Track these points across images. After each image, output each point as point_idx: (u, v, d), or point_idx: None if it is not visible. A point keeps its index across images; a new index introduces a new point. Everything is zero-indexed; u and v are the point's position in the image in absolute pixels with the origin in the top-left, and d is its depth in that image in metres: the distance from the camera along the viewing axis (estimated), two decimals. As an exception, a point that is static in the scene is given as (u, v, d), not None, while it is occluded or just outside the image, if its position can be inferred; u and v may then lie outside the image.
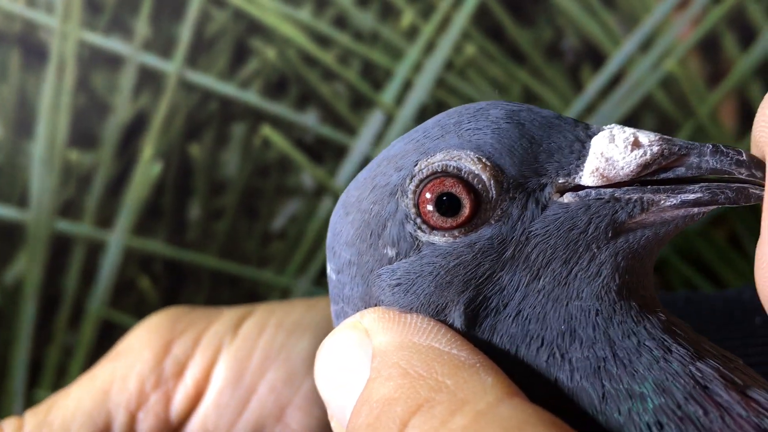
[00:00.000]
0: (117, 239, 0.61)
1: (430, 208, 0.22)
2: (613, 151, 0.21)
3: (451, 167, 0.21)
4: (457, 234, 0.22)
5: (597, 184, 0.22)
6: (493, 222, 0.22)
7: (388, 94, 0.59)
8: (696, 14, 0.58)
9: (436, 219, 0.22)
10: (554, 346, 0.21)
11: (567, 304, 0.22)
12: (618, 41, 0.59)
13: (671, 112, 0.59)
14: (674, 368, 0.21)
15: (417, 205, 0.22)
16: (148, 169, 0.60)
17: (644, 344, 0.21)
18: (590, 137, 0.22)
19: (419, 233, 0.22)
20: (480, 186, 0.22)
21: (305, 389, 0.29)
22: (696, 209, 0.22)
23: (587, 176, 0.22)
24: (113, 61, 0.59)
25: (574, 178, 0.22)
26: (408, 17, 0.58)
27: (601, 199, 0.22)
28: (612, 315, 0.22)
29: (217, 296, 0.62)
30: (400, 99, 0.59)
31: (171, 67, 0.59)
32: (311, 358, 0.29)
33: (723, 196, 0.22)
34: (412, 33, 0.59)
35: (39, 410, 0.30)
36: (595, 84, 0.59)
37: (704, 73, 0.59)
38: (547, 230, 0.22)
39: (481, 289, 0.22)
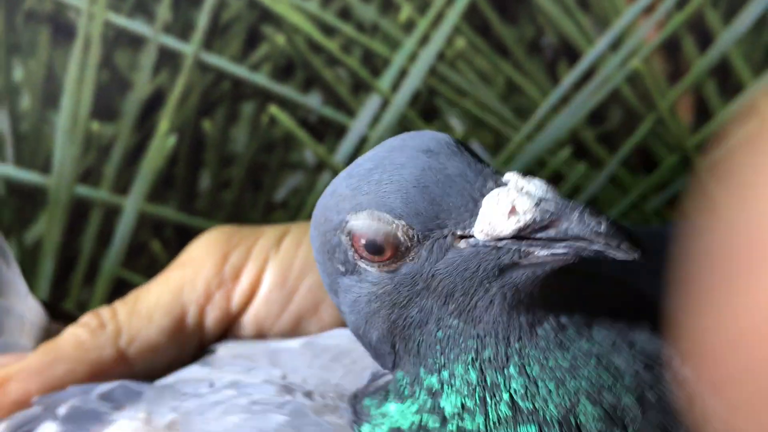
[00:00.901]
0: (132, 205, 0.64)
1: (362, 246, 0.27)
2: (495, 216, 0.25)
3: (376, 231, 0.27)
4: (382, 267, 0.27)
5: (484, 239, 0.26)
6: (408, 261, 0.27)
7: (386, 81, 0.63)
8: (660, 19, 0.63)
9: (367, 255, 0.28)
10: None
11: (474, 326, 0.27)
12: (591, 40, 0.64)
13: (635, 106, 0.65)
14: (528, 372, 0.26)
15: (352, 244, 0.28)
16: (163, 141, 0.63)
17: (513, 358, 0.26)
18: (483, 196, 0.26)
19: (357, 261, 0.28)
20: (394, 239, 0.27)
21: None
22: (564, 257, 0.26)
23: (477, 231, 0.26)
24: (135, 42, 0.62)
25: (468, 230, 0.26)
26: (406, 12, 0.63)
27: (488, 247, 0.26)
28: (506, 333, 0.26)
29: (222, 259, 0.65)
30: (396, 85, 0.64)
31: (188, 49, 0.62)
32: None
33: (585, 253, 0.25)
34: (408, 26, 0.63)
35: (127, 300, 0.35)
36: (569, 78, 0.64)
37: (666, 71, 0.64)
38: (448, 269, 0.27)
39: (402, 311, 0.27)
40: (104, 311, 0.35)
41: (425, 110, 0.64)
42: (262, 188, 0.65)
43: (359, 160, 0.28)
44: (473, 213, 0.26)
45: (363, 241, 0.27)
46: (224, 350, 0.34)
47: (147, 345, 0.34)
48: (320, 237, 0.28)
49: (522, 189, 0.25)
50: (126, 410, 0.31)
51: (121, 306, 0.35)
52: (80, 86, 0.62)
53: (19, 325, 0.35)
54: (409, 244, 0.27)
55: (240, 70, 0.63)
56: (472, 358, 0.26)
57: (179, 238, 0.65)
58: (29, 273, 0.65)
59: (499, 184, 0.26)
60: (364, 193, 0.27)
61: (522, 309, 0.26)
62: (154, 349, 0.34)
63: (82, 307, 0.65)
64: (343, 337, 0.32)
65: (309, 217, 0.66)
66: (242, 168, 0.64)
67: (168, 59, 0.63)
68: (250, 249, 0.35)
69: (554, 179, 0.66)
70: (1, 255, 0.38)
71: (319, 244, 0.28)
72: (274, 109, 0.64)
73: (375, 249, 0.27)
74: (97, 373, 0.33)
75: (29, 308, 0.36)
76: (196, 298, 0.35)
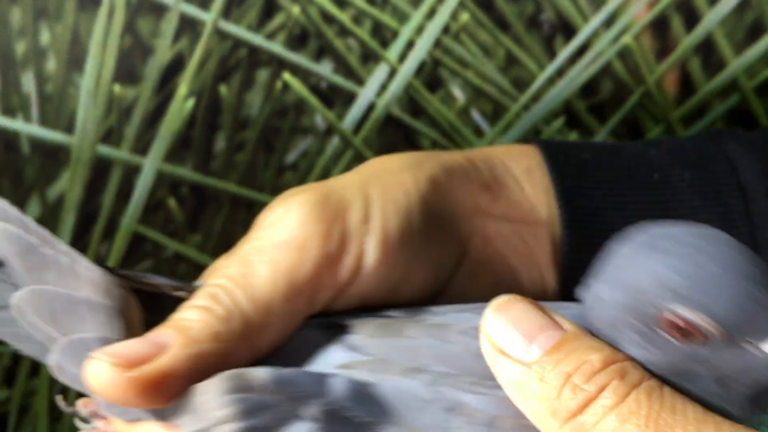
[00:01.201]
0: (150, 164, 0.67)
1: (672, 326, 0.29)
2: None
3: (695, 321, 0.29)
4: (681, 342, 0.29)
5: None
6: (701, 345, 0.29)
7: (393, 51, 0.67)
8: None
9: (671, 331, 0.29)
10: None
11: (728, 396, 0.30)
12: (586, 18, 0.67)
13: (625, 79, 0.68)
14: None
15: (664, 320, 0.29)
16: (181, 104, 0.66)
17: None
18: None
19: (657, 329, 0.30)
20: (706, 333, 0.29)
21: None
22: None
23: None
24: (157, 9, 0.65)
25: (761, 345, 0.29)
26: (414, -14, 0.66)
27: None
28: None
29: (234, 218, 0.68)
30: (403, 56, 0.67)
31: (207, 17, 0.65)
32: None
33: None
34: (416, 0, 0.66)
35: (241, 284, 0.34)
36: (565, 52, 0.67)
37: (654, 48, 0.68)
38: (730, 364, 0.29)
39: (670, 366, 0.30)
40: (222, 295, 0.33)
41: (430, 80, 0.68)
42: (274, 151, 0.68)
43: (683, 247, 0.29)
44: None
45: (675, 322, 0.29)
46: (363, 333, 0.33)
47: (273, 334, 0.33)
48: (629, 293, 0.30)
49: None
50: (388, 427, 0.30)
51: (238, 290, 0.33)
52: (104, 50, 0.64)
53: (99, 313, 0.34)
54: (714, 339, 0.29)
55: (256, 39, 0.66)
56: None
57: (194, 197, 0.68)
58: (51, 228, 0.67)
59: None
60: (695, 286, 0.28)
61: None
62: (276, 337, 0.33)
63: (101, 262, 0.68)
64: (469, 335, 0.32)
65: (318, 179, 0.68)
66: (256, 131, 0.67)
67: (188, 27, 0.65)
68: (345, 224, 0.35)
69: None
70: (43, 241, 0.36)
71: (620, 292, 0.30)
72: (287, 76, 0.66)
73: (682, 333, 0.29)
74: (230, 365, 0.32)
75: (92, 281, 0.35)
76: (310, 281, 0.34)
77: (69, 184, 0.66)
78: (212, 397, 0.30)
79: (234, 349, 0.32)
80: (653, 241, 0.29)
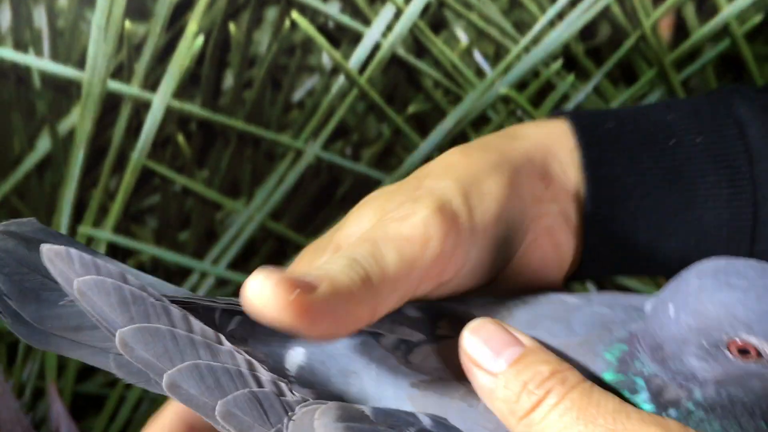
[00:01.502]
0: (160, 100, 0.67)
1: (735, 347, 0.35)
2: None
3: (758, 345, 0.35)
4: (742, 360, 0.35)
5: None
6: (760, 367, 0.35)
7: (400, -8, 0.67)
8: (649, -55, 0.68)
9: (732, 350, 0.35)
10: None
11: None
12: (587, -38, 0.68)
13: (622, 23, 0.70)
14: None
15: (730, 343, 0.35)
16: (191, 42, 0.66)
17: None
18: None
19: (722, 348, 0.35)
20: (766, 355, 0.34)
21: None
22: None
23: None
24: (169, -54, 0.65)
25: None
26: (421, -72, 0.66)
27: None
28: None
29: (241, 154, 0.69)
30: (409, -3, 0.68)
31: (218, -45, 0.65)
32: None
33: None
34: (423, -58, 0.67)
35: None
36: (565, -4, 0.69)
37: (650, -7, 0.70)
38: None
39: (742, 376, 0.35)
40: (357, 266, 0.36)
41: (434, 21, 0.69)
42: (281, 88, 0.69)
43: (748, 282, 0.34)
44: None
45: (738, 347, 0.34)
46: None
47: (385, 309, 0.37)
48: (700, 319, 0.35)
49: None
50: None
51: (372, 265, 0.37)
52: (115, -14, 0.64)
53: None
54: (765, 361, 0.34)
55: (266, -23, 0.66)
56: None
57: (202, 133, 0.69)
58: (61, 161, 0.68)
59: None
60: (758, 318, 0.34)
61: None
62: (386, 312, 0.37)
63: (111, 196, 0.69)
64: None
65: (323, 116, 0.69)
66: (263, 69, 0.68)
67: (199, -36, 0.65)
68: (458, 231, 0.39)
69: (546, 89, 0.71)
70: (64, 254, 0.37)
71: (691, 317, 0.35)
72: (295, 15, 0.67)
73: (743, 353, 0.35)
74: (353, 324, 0.36)
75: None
76: (423, 273, 0.38)
77: (80, 119, 0.67)
78: (328, 422, 0.35)
79: (360, 310, 0.36)
80: (720, 275, 0.35)
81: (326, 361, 0.38)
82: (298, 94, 0.69)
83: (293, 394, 0.36)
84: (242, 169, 0.70)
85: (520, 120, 0.71)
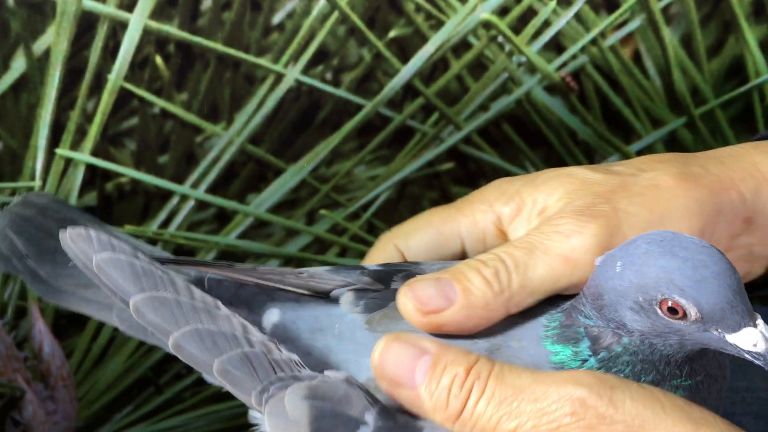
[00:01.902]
0: (137, 20, 0.65)
1: (666, 307, 0.38)
2: (754, 340, 0.38)
3: (686, 307, 0.38)
4: (669, 318, 0.38)
5: (732, 340, 0.38)
6: (683, 324, 0.38)
7: None
8: None
9: (663, 310, 0.38)
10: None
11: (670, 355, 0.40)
12: None
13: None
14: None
15: (662, 302, 0.38)
16: (169, -39, 0.64)
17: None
18: (747, 326, 0.38)
19: (654, 306, 0.38)
20: (691, 317, 0.38)
21: None
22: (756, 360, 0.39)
23: (732, 338, 0.38)
24: None
25: (723, 335, 0.38)
26: None
27: (728, 344, 0.38)
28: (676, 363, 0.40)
29: (220, 77, 0.68)
30: None
31: None
32: None
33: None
34: None
35: (518, 266, 0.41)
36: None
37: None
38: (693, 338, 0.39)
39: (647, 330, 0.39)
40: (502, 273, 0.40)
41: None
42: (260, 10, 0.67)
43: (688, 254, 0.38)
44: (735, 329, 0.38)
45: (669, 305, 0.38)
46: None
47: (522, 309, 0.40)
48: (641, 278, 0.38)
49: (764, 333, 0.38)
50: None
51: (514, 273, 0.40)
52: None
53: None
54: (692, 319, 0.38)
55: None
56: (656, 363, 0.39)
57: (181, 55, 0.67)
58: (37, 82, 0.66)
59: (755, 323, 0.38)
60: (691, 285, 0.38)
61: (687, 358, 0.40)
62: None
63: (89, 118, 0.67)
64: None
65: (304, 40, 0.67)
66: (243, -10, 0.66)
67: None
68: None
69: (527, 14, 0.69)
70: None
71: (634, 275, 0.38)
72: (275, -65, 0.65)
73: (672, 312, 0.38)
74: (486, 325, 0.40)
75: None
76: (569, 286, 0.41)
77: (55, 39, 0.65)
78: (296, 399, 0.39)
79: (491, 318, 0.40)
80: (666, 244, 0.38)
81: (296, 321, 0.42)
82: (278, 17, 0.67)
83: (280, 351, 0.40)
84: (222, 93, 0.68)
85: (500, 47, 0.70)
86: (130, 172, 0.69)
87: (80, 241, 0.40)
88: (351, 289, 0.43)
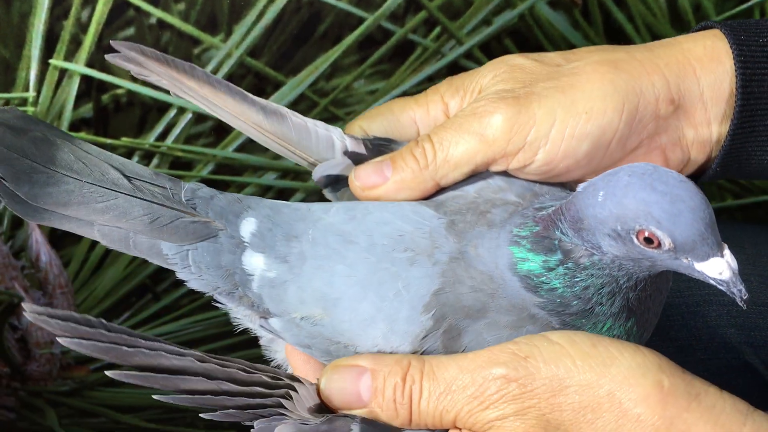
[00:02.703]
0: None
1: (642, 237, 0.40)
2: (720, 269, 0.40)
3: (661, 238, 0.40)
4: (644, 247, 0.41)
5: (700, 268, 0.41)
6: (657, 253, 0.41)
7: None
8: None
9: (640, 239, 0.40)
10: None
11: (635, 275, 0.43)
12: None
13: None
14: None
15: (639, 232, 0.40)
16: None
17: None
18: (715, 256, 0.40)
19: (632, 236, 0.41)
20: (662, 245, 0.40)
21: None
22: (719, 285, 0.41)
23: (700, 266, 0.41)
24: None
25: (693, 263, 0.40)
26: None
27: (694, 270, 0.41)
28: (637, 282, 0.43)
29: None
30: None
31: None
32: None
33: (728, 291, 0.41)
34: None
35: (442, 145, 0.45)
36: None
37: None
38: (664, 263, 0.41)
39: (619, 253, 0.42)
40: (429, 151, 0.45)
41: None
42: None
43: (667, 188, 0.40)
44: (704, 259, 0.40)
45: (646, 235, 0.40)
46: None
47: (451, 182, 0.45)
48: (621, 208, 0.40)
49: (730, 263, 0.40)
50: None
51: (439, 151, 0.45)
52: None
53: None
54: (665, 249, 0.40)
55: None
56: (617, 282, 0.43)
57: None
58: (30, -9, 0.63)
59: (722, 253, 0.40)
60: (668, 218, 0.40)
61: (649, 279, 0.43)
62: (452, 184, 0.46)
63: (84, 28, 0.64)
64: None
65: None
66: None
67: None
68: (525, 136, 0.44)
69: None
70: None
71: (614, 206, 0.41)
72: None
73: (648, 242, 0.40)
74: (421, 196, 0.45)
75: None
76: (487, 160, 0.45)
77: (48, -54, 0.61)
78: None
79: (422, 188, 0.45)
80: (647, 177, 0.40)
81: (273, 228, 0.44)
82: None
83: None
84: (220, 3, 0.65)
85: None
86: (127, 84, 0.67)
87: None
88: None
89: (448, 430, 0.42)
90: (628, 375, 0.39)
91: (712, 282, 0.41)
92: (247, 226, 0.44)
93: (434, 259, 0.43)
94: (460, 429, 0.41)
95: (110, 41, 0.44)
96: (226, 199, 0.45)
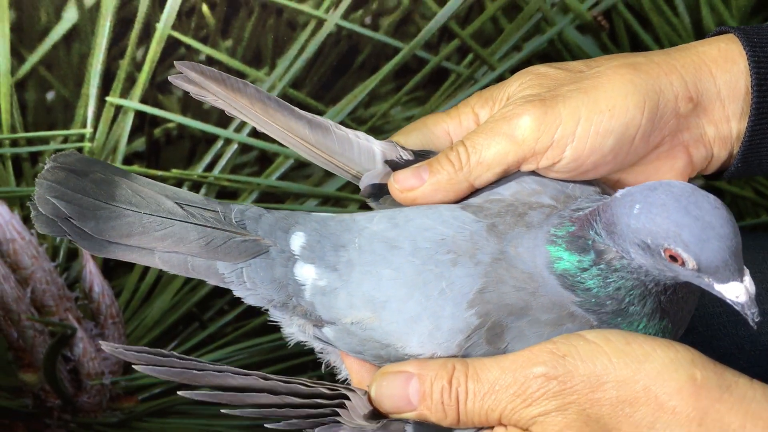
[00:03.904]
0: (183, -30, 0.65)
1: (668, 254, 0.42)
2: (732, 294, 0.42)
3: (686, 260, 0.42)
4: (669, 262, 0.42)
5: (720, 289, 0.42)
6: (680, 269, 0.42)
7: None
8: None
9: (665, 256, 0.42)
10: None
11: (661, 288, 0.44)
12: None
13: None
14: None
15: (666, 249, 0.42)
16: None
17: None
18: (735, 280, 0.42)
19: (660, 251, 0.42)
20: (689, 267, 0.42)
21: None
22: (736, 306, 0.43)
23: (720, 287, 0.42)
24: None
25: (713, 284, 0.42)
26: None
27: (714, 290, 0.43)
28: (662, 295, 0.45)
29: (264, 23, 0.67)
30: None
31: None
32: None
33: (745, 314, 0.43)
34: None
35: (475, 148, 0.47)
36: None
37: None
38: (686, 280, 0.43)
39: (644, 265, 0.43)
40: (463, 154, 0.47)
41: None
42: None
43: (700, 213, 0.42)
44: (724, 282, 0.42)
45: (672, 254, 0.42)
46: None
47: (485, 183, 0.47)
48: (653, 225, 0.42)
49: (748, 288, 0.42)
50: None
51: (472, 153, 0.46)
52: None
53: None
54: (689, 268, 0.42)
55: None
56: (645, 287, 0.44)
57: (227, 2, 0.67)
58: (88, 33, 0.66)
59: (742, 279, 0.42)
60: (696, 242, 0.41)
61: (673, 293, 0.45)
62: (486, 185, 0.48)
63: (138, 66, 0.67)
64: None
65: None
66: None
67: None
68: (553, 131, 0.45)
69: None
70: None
71: (648, 221, 0.42)
72: None
73: (673, 259, 0.42)
74: (456, 197, 0.47)
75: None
76: (518, 160, 0.46)
77: (105, -10, 0.64)
78: None
79: (458, 190, 0.47)
80: (683, 200, 0.42)
81: (321, 240, 0.46)
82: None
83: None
84: (265, 39, 0.68)
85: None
86: (177, 118, 0.69)
87: None
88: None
89: (493, 427, 0.43)
90: (662, 370, 0.40)
91: (728, 301, 0.42)
92: (297, 240, 0.46)
93: (476, 259, 0.44)
94: (505, 426, 0.43)
95: (174, 62, 0.47)
96: (274, 217, 0.46)
